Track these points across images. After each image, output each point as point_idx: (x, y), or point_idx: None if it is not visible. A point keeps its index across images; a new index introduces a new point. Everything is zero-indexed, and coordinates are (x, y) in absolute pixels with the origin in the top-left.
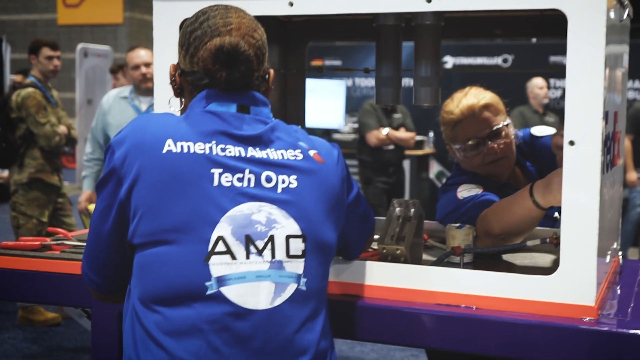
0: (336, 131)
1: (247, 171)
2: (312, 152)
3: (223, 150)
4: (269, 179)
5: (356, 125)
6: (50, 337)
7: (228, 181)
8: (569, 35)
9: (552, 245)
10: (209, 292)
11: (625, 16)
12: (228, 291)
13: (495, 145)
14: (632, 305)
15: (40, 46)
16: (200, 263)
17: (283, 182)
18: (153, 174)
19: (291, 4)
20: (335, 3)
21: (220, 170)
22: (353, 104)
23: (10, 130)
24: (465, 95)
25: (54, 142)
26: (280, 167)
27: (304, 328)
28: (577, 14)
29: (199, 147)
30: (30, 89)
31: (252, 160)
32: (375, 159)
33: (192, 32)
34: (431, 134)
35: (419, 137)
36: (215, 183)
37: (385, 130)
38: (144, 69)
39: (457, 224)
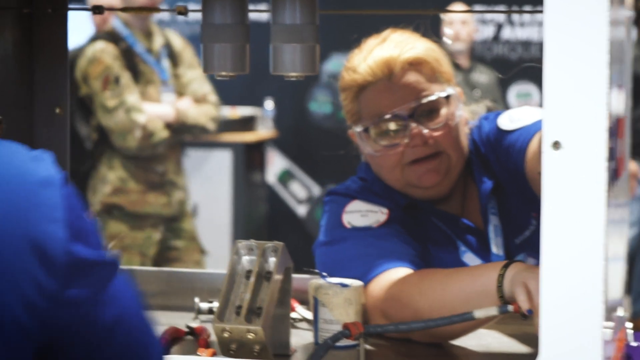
0: None
1: None
2: None
3: None
4: None
5: None
6: None
7: None
8: None
9: (519, 316)
10: None
11: None
12: None
13: (426, 131)
14: None
15: None
16: None
17: None
18: None
19: None
20: None
21: None
22: None
23: None
24: (383, 43)
25: None
26: None
27: None
28: None
29: None
30: None
31: None
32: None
33: None
34: (269, 104)
35: (245, 111)
36: None
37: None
38: None
39: (334, 280)
